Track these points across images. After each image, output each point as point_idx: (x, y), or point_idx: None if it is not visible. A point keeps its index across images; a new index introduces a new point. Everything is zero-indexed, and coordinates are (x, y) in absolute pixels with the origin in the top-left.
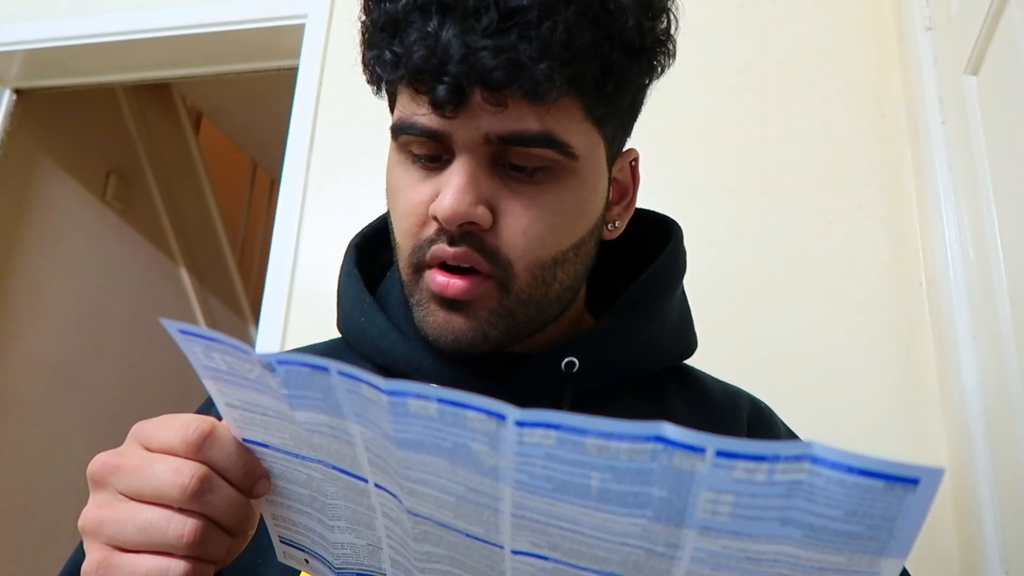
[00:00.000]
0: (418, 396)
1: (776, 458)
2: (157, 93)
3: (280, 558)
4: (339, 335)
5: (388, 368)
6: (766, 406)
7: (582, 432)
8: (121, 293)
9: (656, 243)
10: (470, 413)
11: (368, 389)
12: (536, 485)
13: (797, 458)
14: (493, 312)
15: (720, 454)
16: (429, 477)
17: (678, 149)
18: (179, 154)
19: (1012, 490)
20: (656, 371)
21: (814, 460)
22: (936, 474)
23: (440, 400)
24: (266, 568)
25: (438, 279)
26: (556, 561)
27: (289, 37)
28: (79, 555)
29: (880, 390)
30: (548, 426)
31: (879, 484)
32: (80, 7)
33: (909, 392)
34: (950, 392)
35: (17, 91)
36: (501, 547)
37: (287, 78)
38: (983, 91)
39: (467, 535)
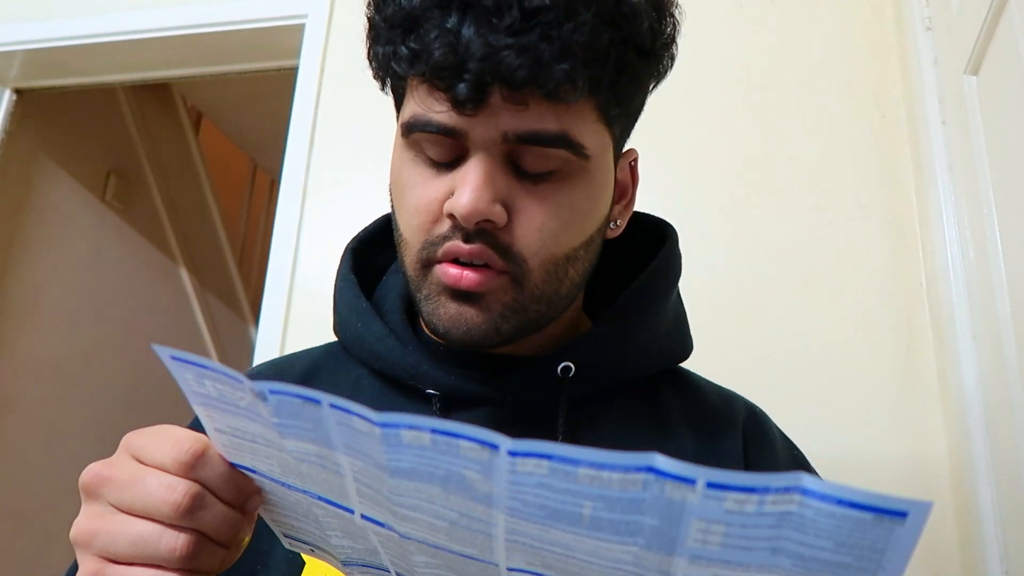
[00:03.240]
0: (411, 427)
1: (766, 490)
2: (157, 93)
3: (286, 546)
4: (336, 338)
5: (385, 373)
6: (761, 411)
7: (574, 462)
8: (121, 293)
9: (651, 246)
10: (463, 443)
11: (360, 421)
12: (529, 512)
13: (787, 489)
14: (507, 307)
15: (711, 485)
16: (422, 503)
17: (678, 149)
18: (179, 154)
19: (1012, 490)
20: (652, 374)
21: (804, 492)
22: (924, 507)
23: (433, 430)
24: (265, 573)
25: (451, 271)
26: None
27: (289, 37)
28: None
29: (880, 390)
30: (540, 456)
31: (868, 516)
32: (80, 7)
33: (909, 391)
34: (950, 391)
35: (17, 91)
36: (496, 564)
37: (287, 78)
38: (983, 91)
39: (462, 555)
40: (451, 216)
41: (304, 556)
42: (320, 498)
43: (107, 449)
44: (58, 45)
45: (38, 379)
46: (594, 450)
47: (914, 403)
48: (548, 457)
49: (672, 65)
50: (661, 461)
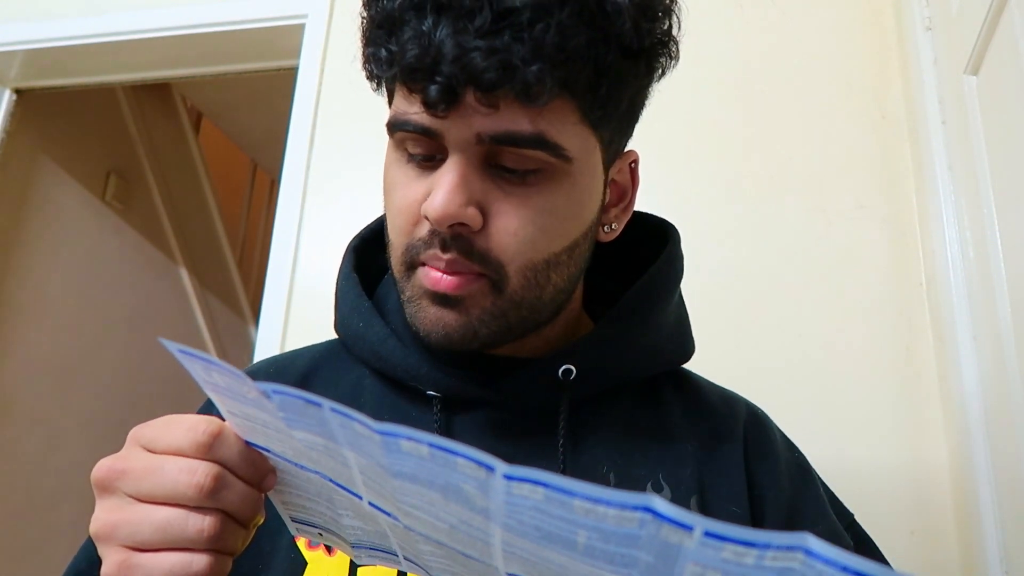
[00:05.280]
0: (410, 439)
1: (767, 546)
2: (157, 93)
3: (293, 533)
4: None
5: (386, 373)
6: (763, 413)
7: (569, 494)
8: (121, 293)
9: (653, 246)
10: (460, 460)
11: (360, 427)
12: (524, 531)
13: (790, 548)
14: (486, 311)
15: (708, 534)
16: (424, 505)
17: (677, 149)
18: (179, 154)
19: (1012, 490)
20: (653, 376)
21: (808, 553)
22: None
23: (431, 445)
24: (267, 573)
25: (432, 274)
26: None
27: (289, 37)
28: (79, 562)
29: (880, 390)
30: (536, 483)
31: None
32: (80, 7)
33: (909, 392)
34: (950, 392)
35: (17, 91)
36: (496, 567)
37: (287, 78)
38: (983, 91)
39: (464, 555)
40: (427, 218)
41: (307, 556)
42: (331, 480)
43: (107, 449)
44: (58, 45)
45: (38, 379)
46: (591, 485)
47: (914, 404)
48: (544, 485)
49: (672, 64)
50: (659, 504)
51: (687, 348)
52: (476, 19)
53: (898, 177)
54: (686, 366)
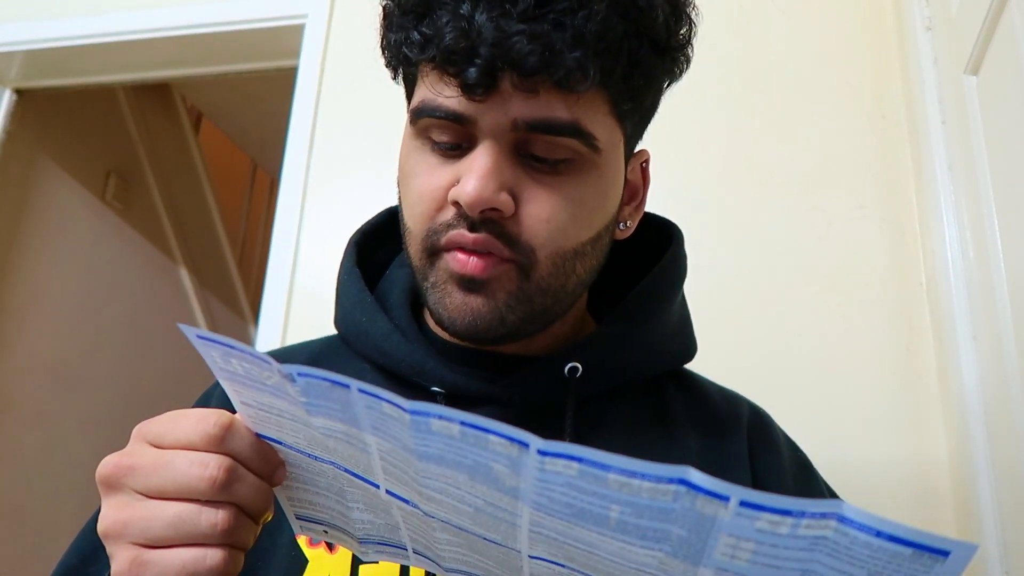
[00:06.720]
0: (441, 417)
1: (802, 514)
2: (157, 93)
3: (296, 531)
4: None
5: (389, 369)
6: (764, 411)
7: (605, 468)
8: (121, 293)
9: (657, 246)
10: (492, 438)
11: (389, 407)
12: (554, 509)
13: (823, 515)
14: (512, 296)
15: (744, 504)
16: (448, 488)
17: (677, 149)
18: (179, 154)
19: (1012, 490)
20: (656, 375)
21: (841, 520)
22: (968, 549)
23: (463, 423)
24: (266, 570)
25: (458, 256)
26: (572, 569)
27: (289, 37)
28: (70, 558)
29: (880, 389)
30: (571, 458)
31: (907, 551)
32: (80, 7)
33: (909, 391)
34: (950, 392)
35: (17, 91)
36: (518, 551)
37: (287, 78)
38: (983, 91)
39: (485, 539)
40: (456, 204)
41: (308, 553)
42: (346, 470)
43: (107, 448)
44: (58, 45)
45: (38, 379)
46: (626, 458)
47: (914, 403)
48: (579, 460)
49: (687, 68)
50: (695, 476)
51: (690, 348)
52: (518, 4)
53: (898, 177)
54: (687, 366)
